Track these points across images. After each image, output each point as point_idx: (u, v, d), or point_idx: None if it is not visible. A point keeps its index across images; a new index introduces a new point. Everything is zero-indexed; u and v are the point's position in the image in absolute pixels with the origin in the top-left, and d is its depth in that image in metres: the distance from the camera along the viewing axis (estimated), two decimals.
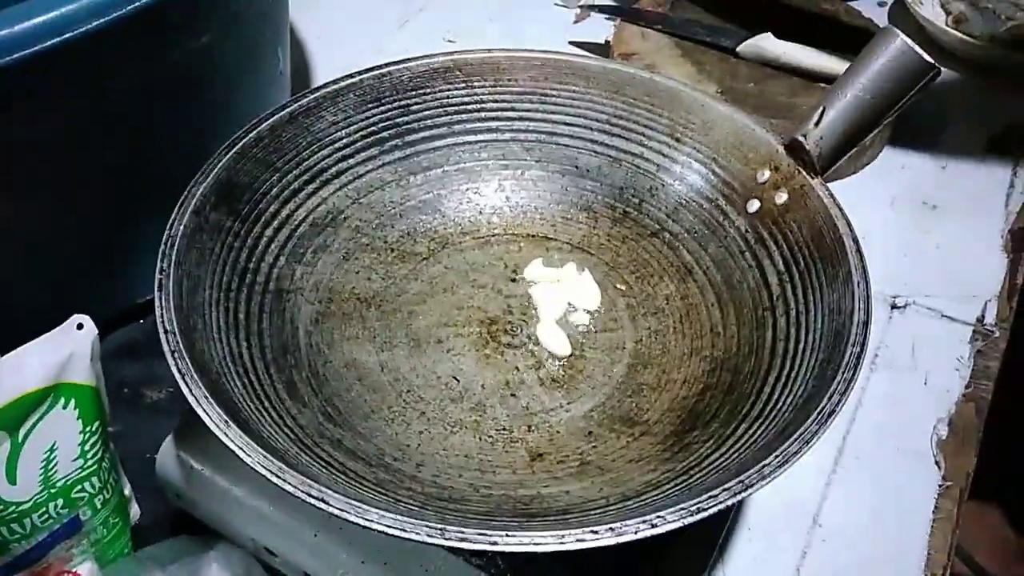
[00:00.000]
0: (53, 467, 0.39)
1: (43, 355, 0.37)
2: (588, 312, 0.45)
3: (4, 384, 0.36)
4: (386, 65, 0.47)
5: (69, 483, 0.39)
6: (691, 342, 0.42)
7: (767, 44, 0.67)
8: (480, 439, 0.39)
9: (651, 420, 0.39)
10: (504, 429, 0.39)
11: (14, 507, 0.38)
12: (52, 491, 0.39)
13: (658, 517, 0.29)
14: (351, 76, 0.46)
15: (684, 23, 0.71)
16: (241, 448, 0.30)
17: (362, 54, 0.71)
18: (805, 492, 0.47)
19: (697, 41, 0.70)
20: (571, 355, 0.43)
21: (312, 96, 0.45)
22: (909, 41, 0.38)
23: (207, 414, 0.31)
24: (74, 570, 0.42)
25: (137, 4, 0.37)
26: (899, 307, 0.57)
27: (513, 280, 0.46)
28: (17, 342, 0.37)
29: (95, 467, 0.40)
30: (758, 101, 0.64)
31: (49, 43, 0.35)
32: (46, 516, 0.39)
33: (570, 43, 0.75)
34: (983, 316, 0.56)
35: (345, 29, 0.74)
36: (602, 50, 0.74)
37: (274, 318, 0.40)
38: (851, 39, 0.70)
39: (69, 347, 0.38)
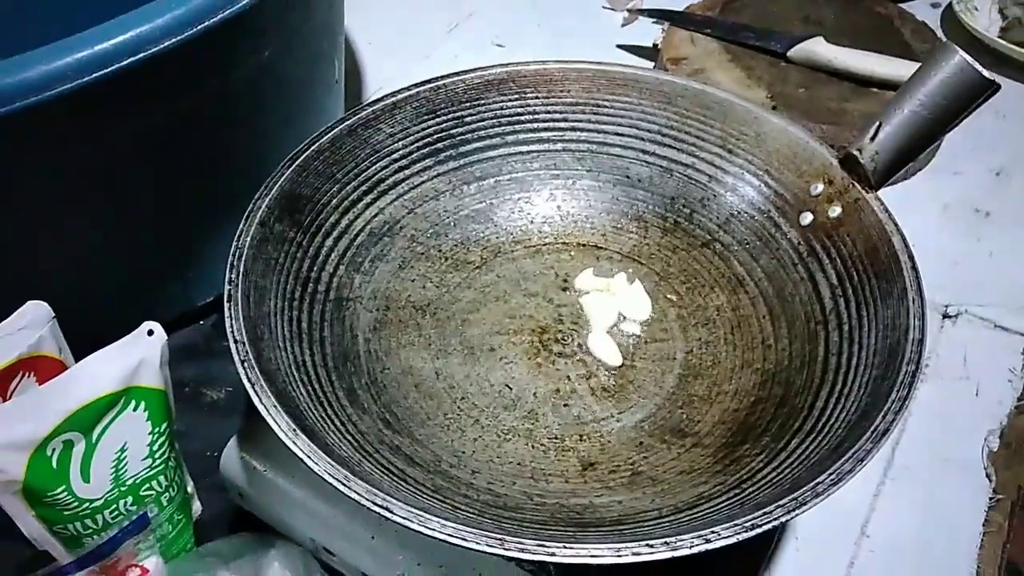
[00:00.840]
0: (124, 466, 0.40)
1: (116, 360, 0.39)
2: (639, 322, 0.45)
3: (80, 388, 0.38)
4: (442, 78, 0.48)
5: (138, 481, 0.41)
6: (742, 354, 0.43)
7: (818, 48, 0.67)
8: (533, 447, 0.40)
9: (702, 432, 0.40)
10: (556, 438, 0.40)
11: (88, 504, 0.40)
12: (122, 489, 0.40)
13: (712, 532, 0.29)
14: (407, 89, 0.47)
15: (733, 27, 0.71)
16: (309, 456, 0.31)
17: (412, 59, 0.72)
18: (854, 502, 0.47)
19: (747, 46, 0.69)
20: (622, 365, 0.43)
21: (370, 109, 0.46)
22: (968, 58, 0.38)
23: (276, 423, 0.32)
24: (141, 564, 0.44)
25: (208, 23, 0.38)
26: (951, 316, 0.56)
27: (564, 289, 0.47)
28: (85, 341, 0.39)
29: (162, 466, 0.42)
30: (808, 106, 0.64)
31: (125, 63, 0.37)
32: (116, 513, 0.41)
33: (618, 47, 0.75)
34: None
35: (395, 35, 0.75)
36: (650, 54, 0.74)
37: (335, 326, 0.41)
38: (904, 44, 0.69)
39: (140, 352, 0.39)
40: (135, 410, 0.40)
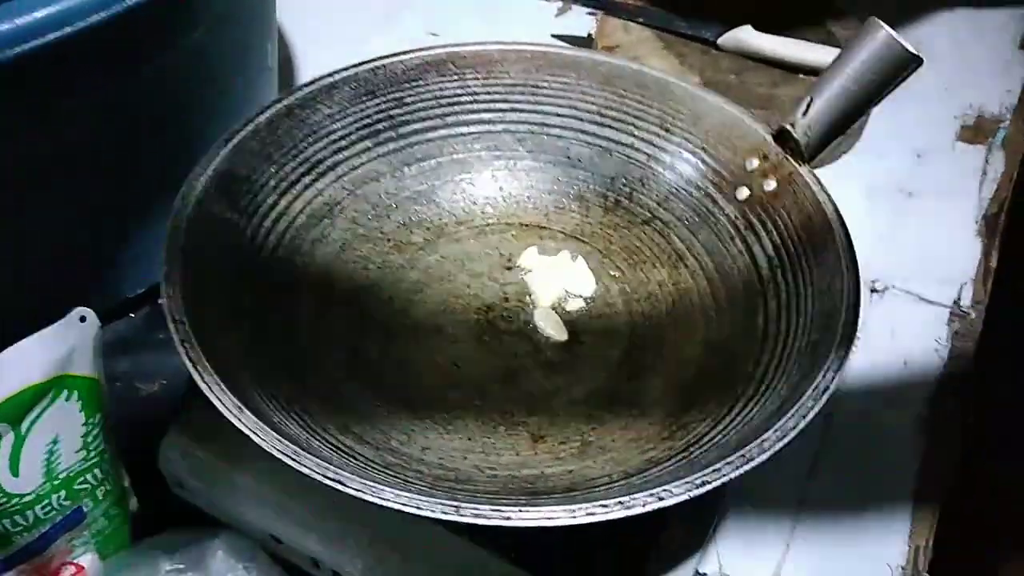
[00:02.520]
0: (56, 459, 0.39)
1: (46, 348, 0.37)
2: (583, 299, 0.46)
3: (7, 377, 0.36)
4: (381, 58, 0.47)
5: (72, 475, 0.39)
6: (685, 326, 0.43)
7: (747, 36, 0.69)
8: (483, 423, 0.40)
9: (648, 401, 0.40)
10: (506, 413, 0.40)
11: (17, 499, 0.38)
12: (55, 483, 0.39)
13: (664, 491, 0.30)
14: (345, 69, 0.46)
15: (665, 16, 0.72)
16: (256, 432, 0.30)
17: (346, 50, 0.71)
18: (793, 470, 0.48)
19: (678, 34, 0.71)
20: (568, 340, 0.44)
21: (308, 89, 0.45)
22: (893, 33, 0.40)
23: (220, 401, 0.31)
24: (76, 561, 0.42)
25: (131, 2, 0.37)
26: (878, 291, 0.58)
27: (508, 268, 0.47)
28: (7, 336, 0.37)
29: (97, 459, 0.40)
30: (739, 92, 0.66)
31: (44, 39, 0.36)
32: (49, 508, 0.39)
33: (552, 36, 0.75)
34: (959, 299, 0.58)
35: (329, 25, 0.74)
36: (585, 43, 0.75)
37: (276, 310, 0.41)
38: (828, 32, 0.71)
39: (72, 340, 0.38)
40: (67, 400, 0.38)
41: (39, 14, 0.35)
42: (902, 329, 0.56)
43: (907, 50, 0.40)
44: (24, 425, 0.37)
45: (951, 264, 0.60)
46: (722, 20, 0.70)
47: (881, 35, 0.40)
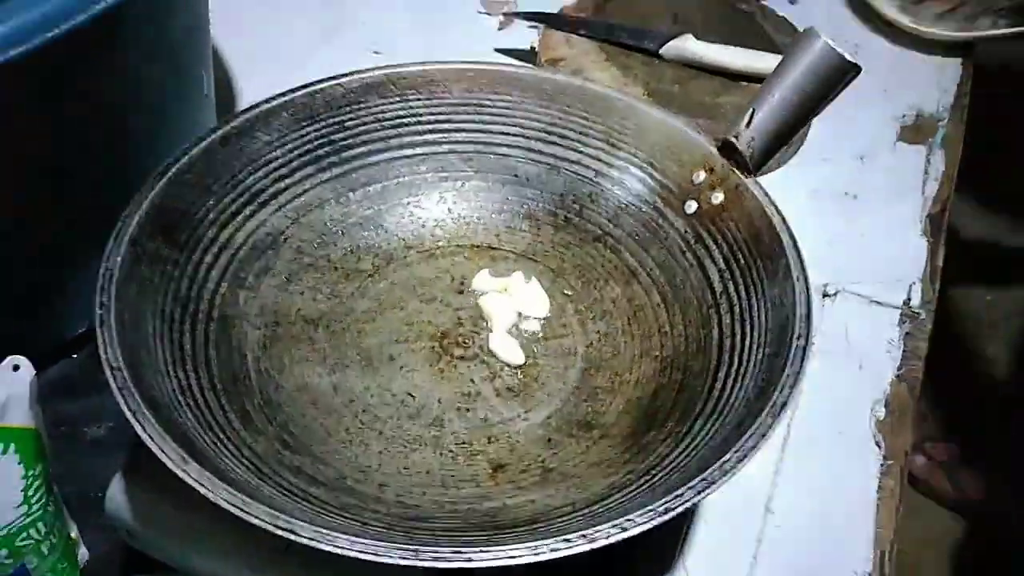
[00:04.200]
0: None
1: None
2: (538, 320, 0.45)
3: None
4: (318, 82, 0.46)
5: (13, 531, 0.38)
6: (640, 343, 0.43)
7: (688, 45, 0.69)
8: (441, 454, 0.39)
9: (608, 423, 0.40)
10: (464, 443, 0.39)
11: None
12: None
13: (627, 520, 0.29)
14: (283, 95, 0.45)
15: (607, 27, 0.72)
16: (202, 484, 0.29)
17: (286, 70, 0.70)
18: (756, 482, 0.48)
19: (621, 45, 0.71)
20: (525, 363, 0.43)
21: (244, 117, 0.44)
22: (831, 42, 0.40)
23: (163, 452, 0.30)
24: None
25: (59, 30, 0.36)
26: (829, 295, 0.59)
27: (461, 292, 0.46)
28: None
29: (40, 512, 0.38)
30: (683, 102, 0.66)
31: None
32: None
33: (496, 51, 0.75)
34: (909, 299, 0.59)
35: (266, 45, 0.73)
36: (529, 57, 0.75)
37: (221, 346, 0.39)
38: (768, 38, 0.72)
39: (5, 390, 0.36)
40: (4, 453, 0.37)
41: None
42: (855, 332, 0.56)
43: (845, 59, 0.40)
44: None
45: (899, 264, 0.61)
46: (663, 30, 0.71)
47: (818, 45, 0.40)
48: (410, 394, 0.41)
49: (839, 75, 0.40)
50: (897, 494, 0.48)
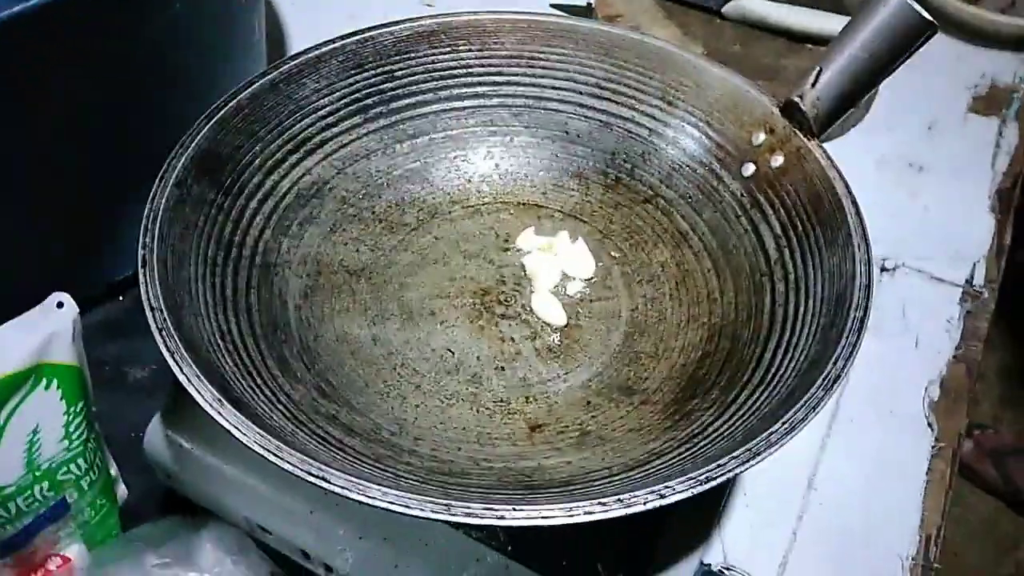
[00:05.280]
0: (37, 449, 0.37)
1: (22, 335, 0.36)
2: (582, 281, 0.44)
3: None
4: (369, 29, 0.45)
5: (54, 465, 0.38)
6: (688, 309, 0.42)
7: (752, 4, 0.66)
8: (478, 411, 0.38)
9: (650, 388, 0.39)
10: (501, 401, 0.39)
11: None
12: (37, 474, 0.38)
13: (666, 487, 0.28)
14: (333, 41, 0.44)
15: None
16: (236, 427, 0.29)
17: (336, 20, 0.69)
18: (800, 457, 0.47)
19: (681, 2, 0.68)
20: (567, 325, 0.42)
21: (293, 63, 0.43)
22: (908, 0, 0.37)
23: (199, 392, 0.30)
24: (62, 553, 0.41)
25: None
26: (888, 269, 0.57)
27: (505, 250, 0.45)
28: None
29: (80, 448, 0.39)
30: (744, 63, 0.63)
31: (23, 7, 0.34)
32: (31, 499, 0.38)
33: (551, 6, 0.73)
34: (972, 277, 0.56)
35: None
36: (585, 13, 0.72)
37: (262, 292, 0.39)
38: None
39: (49, 326, 0.36)
40: (47, 389, 0.37)
41: None
42: (913, 308, 0.54)
43: (922, 17, 0.37)
44: (2, 415, 0.36)
45: (963, 241, 0.58)
46: None
47: (895, 1, 0.38)
48: (449, 350, 0.41)
49: (915, 35, 0.38)
50: (947, 479, 0.46)
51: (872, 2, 0.38)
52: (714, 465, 0.29)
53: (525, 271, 0.44)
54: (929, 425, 0.49)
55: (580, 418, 0.38)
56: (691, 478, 0.28)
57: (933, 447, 0.48)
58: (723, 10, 0.67)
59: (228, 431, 0.29)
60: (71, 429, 0.38)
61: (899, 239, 0.58)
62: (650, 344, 0.41)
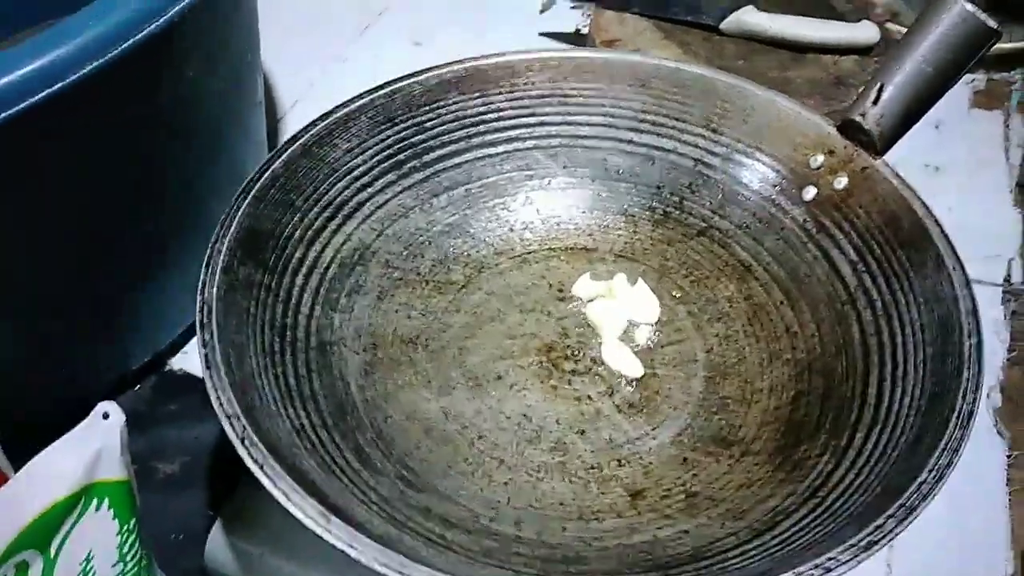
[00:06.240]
0: None
1: (71, 455, 0.32)
2: (649, 325, 0.42)
3: (31, 497, 0.31)
4: (395, 81, 0.43)
5: None
6: (767, 345, 0.40)
7: (750, 17, 0.65)
8: (571, 482, 0.36)
9: (747, 437, 0.37)
10: (592, 467, 0.36)
11: None
12: None
13: (829, 559, 0.26)
14: (360, 97, 0.42)
15: (660, 3, 0.68)
16: (351, 546, 0.26)
17: (327, 66, 0.66)
18: None
19: (677, 21, 0.67)
20: (643, 375, 0.40)
21: (323, 123, 0.40)
22: (971, 6, 0.36)
23: (303, 512, 0.26)
24: None
25: (132, 41, 0.32)
26: None
27: (561, 299, 0.43)
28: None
29: (135, 568, 0.35)
30: (749, 77, 0.62)
31: (34, 99, 0.30)
32: None
33: (540, 35, 0.71)
34: (1010, 275, 0.55)
35: (304, 41, 0.69)
36: (575, 39, 0.71)
37: (323, 376, 0.36)
38: (829, 6, 0.68)
39: (98, 441, 0.33)
40: (98, 509, 0.33)
41: (25, 70, 0.30)
42: None
43: (988, 24, 0.36)
44: (53, 547, 0.32)
45: (993, 239, 0.57)
46: (721, 3, 0.67)
47: (957, 8, 0.36)
48: (525, 416, 0.38)
49: (981, 43, 0.37)
50: None
51: (932, 13, 0.37)
52: (872, 528, 0.27)
53: (587, 320, 0.42)
54: (999, 433, 0.48)
55: (681, 478, 0.35)
56: (852, 545, 0.26)
57: (1009, 456, 0.47)
58: (721, 26, 0.66)
59: (344, 552, 0.26)
60: (124, 550, 0.35)
61: None
62: (735, 387, 0.39)
